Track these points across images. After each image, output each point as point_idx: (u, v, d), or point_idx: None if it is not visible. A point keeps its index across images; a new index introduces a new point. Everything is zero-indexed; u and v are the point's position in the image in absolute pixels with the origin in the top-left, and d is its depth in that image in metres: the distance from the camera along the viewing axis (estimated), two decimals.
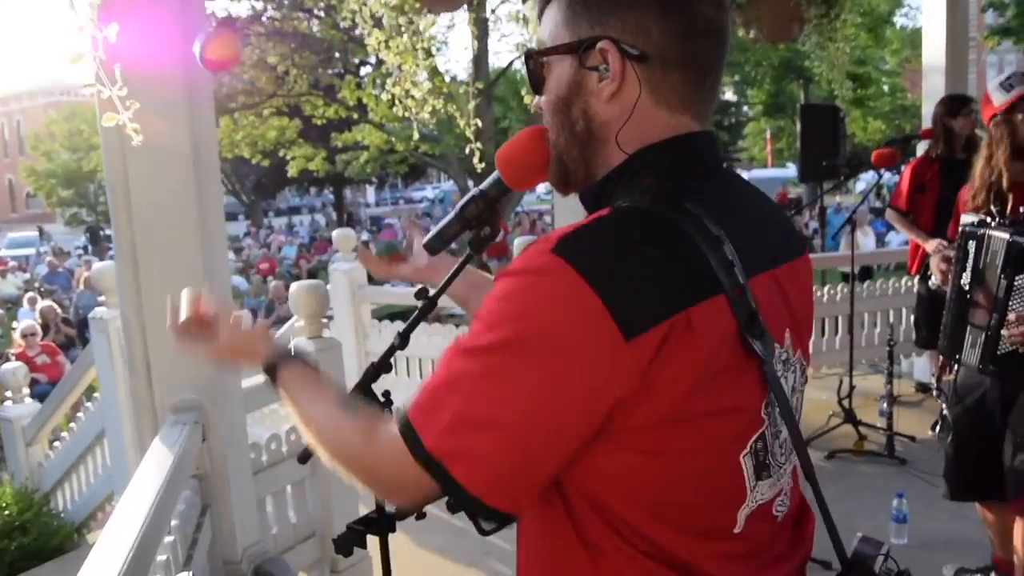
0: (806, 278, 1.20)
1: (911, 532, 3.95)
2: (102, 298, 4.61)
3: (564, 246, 0.92)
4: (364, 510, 1.70)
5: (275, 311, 12.84)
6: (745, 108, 31.79)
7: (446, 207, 35.33)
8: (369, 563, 3.76)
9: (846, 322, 6.08)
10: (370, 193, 47.96)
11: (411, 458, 0.95)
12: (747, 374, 0.98)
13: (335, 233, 6.36)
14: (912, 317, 6.22)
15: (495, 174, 1.29)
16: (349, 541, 1.59)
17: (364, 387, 1.55)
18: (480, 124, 3.99)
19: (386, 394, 1.61)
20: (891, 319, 6.40)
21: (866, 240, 13.47)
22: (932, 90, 6.11)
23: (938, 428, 5.08)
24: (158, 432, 2.84)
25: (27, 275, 21.80)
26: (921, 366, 6.25)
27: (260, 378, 3.37)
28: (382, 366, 1.53)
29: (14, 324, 13.14)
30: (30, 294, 15.24)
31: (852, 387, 5.27)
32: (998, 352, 2.98)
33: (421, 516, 1.42)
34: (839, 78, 5.44)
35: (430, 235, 1.41)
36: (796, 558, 1.16)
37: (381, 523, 1.62)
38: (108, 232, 29.41)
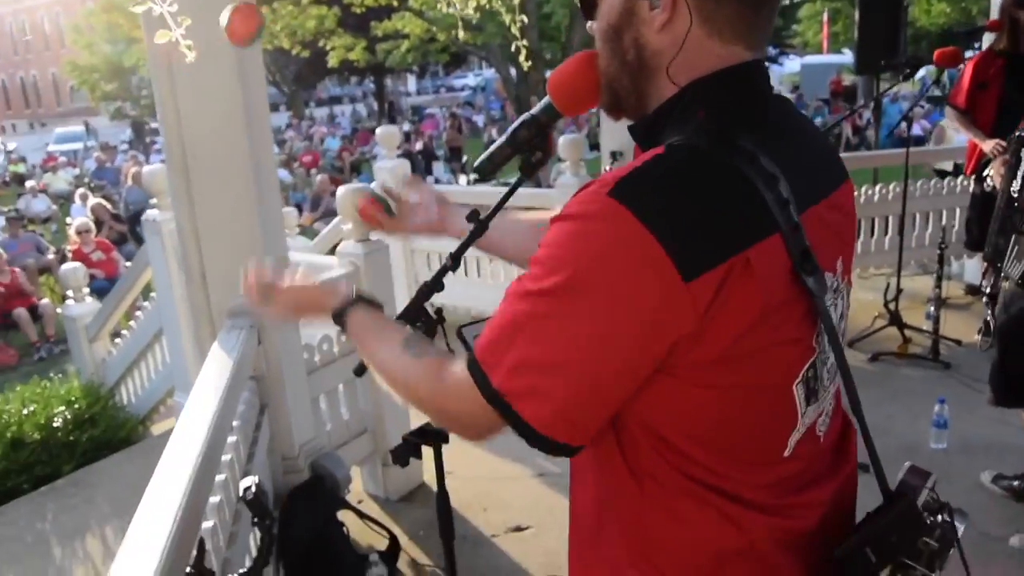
0: (850, 205, 1.20)
1: (951, 437, 3.98)
2: (154, 200, 4.69)
3: (621, 189, 0.92)
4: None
5: (321, 205, 12.93)
6: None
7: (488, 95, 34.88)
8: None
9: (896, 222, 5.99)
10: (411, 82, 47.34)
11: (480, 396, 0.98)
12: (800, 308, 1.00)
13: (379, 131, 6.34)
14: (965, 217, 6.13)
15: (546, 99, 1.29)
16: (405, 452, 1.66)
17: (417, 305, 1.58)
18: (526, 19, 3.90)
19: (439, 312, 1.65)
20: (944, 219, 6.29)
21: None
22: None
23: (981, 333, 5.09)
24: (216, 336, 2.96)
25: (77, 170, 22.08)
26: (972, 268, 6.14)
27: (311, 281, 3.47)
28: (435, 285, 1.56)
29: (68, 220, 13.42)
30: (81, 190, 15.45)
31: (899, 290, 5.22)
32: None
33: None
34: None
35: (480, 158, 1.41)
36: (840, 475, 1.18)
37: (436, 434, 1.69)
38: (153, 126, 29.65)
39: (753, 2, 1.04)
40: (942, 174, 5.94)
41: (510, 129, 1.36)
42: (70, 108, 49.93)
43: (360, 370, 1.60)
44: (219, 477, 2.23)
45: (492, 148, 1.38)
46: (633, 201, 0.91)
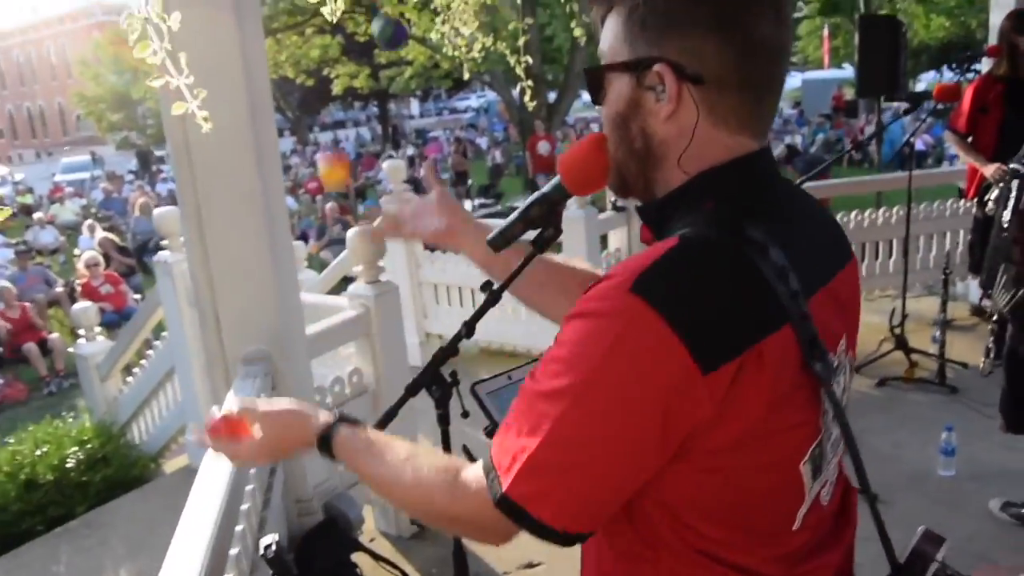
0: (855, 282, 1.23)
1: (960, 463, 3.98)
2: (165, 241, 4.75)
3: (640, 284, 0.95)
4: None
5: (327, 233, 13.00)
6: (800, 3, 30.56)
7: (491, 117, 35.06)
8: None
9: (900, 245, 6.02)
10: (414, 105, 47.61)
11: (491, 503, 1.00)
12: (808, 391, 1.03)
13: (385, 164, 6.41)
14: (968, 241, 6.16)
15: (556, 179, 1.34)
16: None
17: (433, 371, 1.62)
18: (530, 60, 3.95)
19: (453, 374, 1.69)
20: (947, 242, 6.32)
21: None
22: None
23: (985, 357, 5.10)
24: (229, 379, 3.00)
25: (84, 201, 22.20)
26: (977, 288, 6.18)
27: (322, 325, 3.50)
28: (450, 351, 1.60)
29: (76, 251, 13.51)
30: (89, 221, 15.53)
31: (905, 315, 5.25)
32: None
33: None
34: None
35: (493, 233, 1.45)
36: (844, 539, 1.21)
37: None
38: (158, 154, 29.83)
39: (755, 93, 1.07)
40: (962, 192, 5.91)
41: (522, 206, 1.40)
42: (76, 137, 50.27)
43: (382, 423, 1.63)
44: (238, 528, 2.26)
45: (505, 224, 1.43)
46: (652, 296, 0.94)
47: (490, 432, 1.52)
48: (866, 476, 1.10)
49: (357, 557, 3.24)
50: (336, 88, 19.20)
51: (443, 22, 3.91)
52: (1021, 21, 4.69)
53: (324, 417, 1.28)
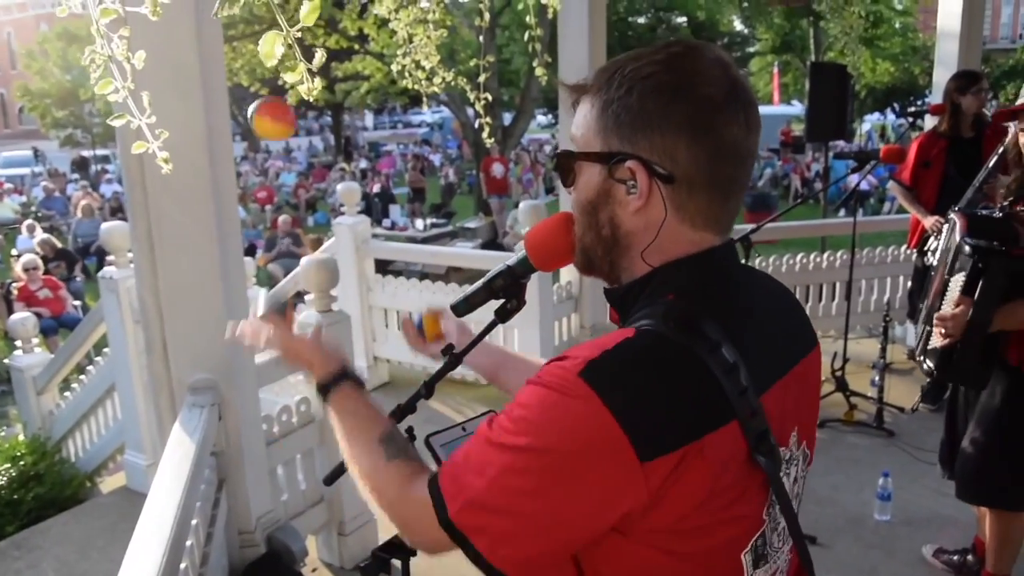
0: (816, 372, 1.26)
1: (895, 507, 4.10)
2: (111, 257, 4.67)
3: (590, 372, 0.98)
4: None
5: (276, 246, 12.87)
6: (753, 40, 31.28)
7: (445, 133, 35.09)
8: (374, 525, 3.91)
9: (843, 289, 6.19)
10: (368, 117, 47.39)
11: (436, 519, 1.05)
12: (752, 484, 1.05)
13: (340, 187, 6.39)
14: (908, 289, 6.35)
15: (522, 253, 1.36)
16: (375, 568, 1.69)
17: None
18: (490, 97, 3.98)
19: (409, 430, 1.69)
20: (888, 289, 6.50)
21: None
22: (946, 55, 6.13)
23: (916, 402, 5.27)
24: (175, 407, 2.96)
25: (23, 198, 21.65)
26: (914, 333, 6.36)
27: (272, 353, 3.47)
28: (407, 409, 1.60)
29: (13, 251, 13.17)
30: (28, 221, 15.16)
31: (846, 359, 5.38)
32: (928, 345, 3.10)
33: None
34: (853, 46, 5.41)
35: (457, 299, 1.48)
36: None
37: (404, 547, 1.71)
38: (100, 153, 29.16)
39: (723, 194, 1.10)
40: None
41: (487, 276, 1.43)
42: (18, 130, 49.03)
43: (330, 480, 1.63)
44: (182, 566, 2.22)
45: (469, 291, 1.45)
46: (600, 384, 0.97)
47: None
48: (808, 555, 1.12)
49: None
50: (290, 99, 19.03)
51: (404, 55, 3.91)
52: (964, 82, 4.88)
53: (338, 364, 1.41)
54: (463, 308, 1.48)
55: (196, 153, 2.80)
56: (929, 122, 5.48)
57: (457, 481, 1.05)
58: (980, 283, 2.84)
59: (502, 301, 1.45)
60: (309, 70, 1.21)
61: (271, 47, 1.22)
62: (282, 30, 1.36)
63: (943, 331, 2.92)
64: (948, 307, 2.96)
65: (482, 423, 1.07)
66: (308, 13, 1.21)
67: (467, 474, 1.04)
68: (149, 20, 1.73)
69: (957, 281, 2.93)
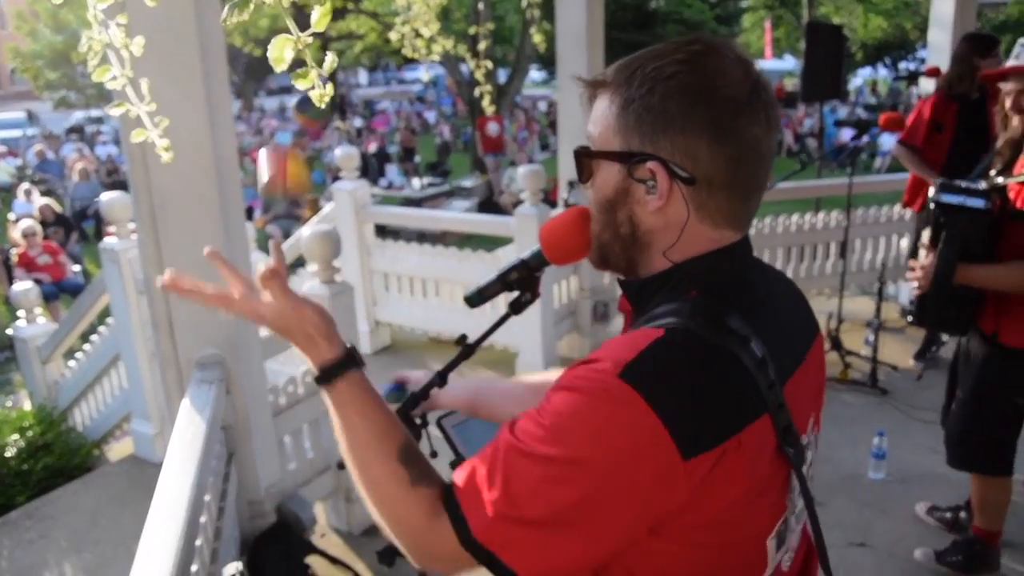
0: (822, 358, 1.29)
1: (888, 465, 4.18)
2: (112, 228, 4.69)
3: (629, 373, 0.97)
4: None
5: (273, 207, 12.83)
6: None
7: (440, 90, 34.75)
8: None
9: (838, 248, 6.23)
10: (362, 75, 46.94)
11: (456, 540, 1.02)
12: (780, 474, 1.08)
13: (338, 151, 6.37)
14: (901, 243, 6.39)
15: (537, 247, 1.38)
16: (392, 552, 1.73)
17: (403, 413, 1.67)
18: (490, 65, 3.97)
19: (422, 416, 1.74)
20: (882, 246, 6.54)
21: None
22: (941, 14, 6.07)
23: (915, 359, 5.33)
24: (183, 384, 3.01)
25: (19, 161, 21.50)
26: (907, 291, 6.41)
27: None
28: (422, 396, 1.64)
29: (10, 215, 13.14)
30: (25, 185, 15.07)
31: (841, 319, 5.44)
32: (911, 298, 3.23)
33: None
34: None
35: (471, 291, 1.50)
36: None
37: None
38: (94, 115, 28.85)
39: (743, 193, 1.11)
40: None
41: (502, 269, 1.45)
42: (10, 92, 48.47)
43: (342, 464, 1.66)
44: (197, 542, 2.28)
45: (483, 283, 1.48)
46: (642, 385, 0.97)
47: (454, 466, 1.58)
48: (827, 556, 1.14)
49: (310, 557, 3.30)
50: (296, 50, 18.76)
51: (403, 23, 3.90)
52: (984, 45, 4.78)
53: (337, 347, 1.19)
54: (477, 300, 1.49)
55: (198, 136, 2.82)
56: (924, 84, 5.46)
57: (479, 495, 1.02)
58: (942, 236, 3.00)
59: (516, 294, 1.47)
60: (320, 76, 1.23)
61: (281, 52, 1.23)
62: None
63: (915, 281, 3.10)
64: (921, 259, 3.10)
65: (502, 429, 1.05)
66: (320, 18, 1.23)
67: (492, 486, 1.01)
68: (147, 6, 1.73)
69: (926, 234, 3.10)
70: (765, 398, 1.03)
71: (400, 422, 1.20)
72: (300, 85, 1.28)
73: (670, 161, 1.06)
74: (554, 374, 1.66)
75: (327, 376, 1.18)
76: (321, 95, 1.22)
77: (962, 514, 3.67)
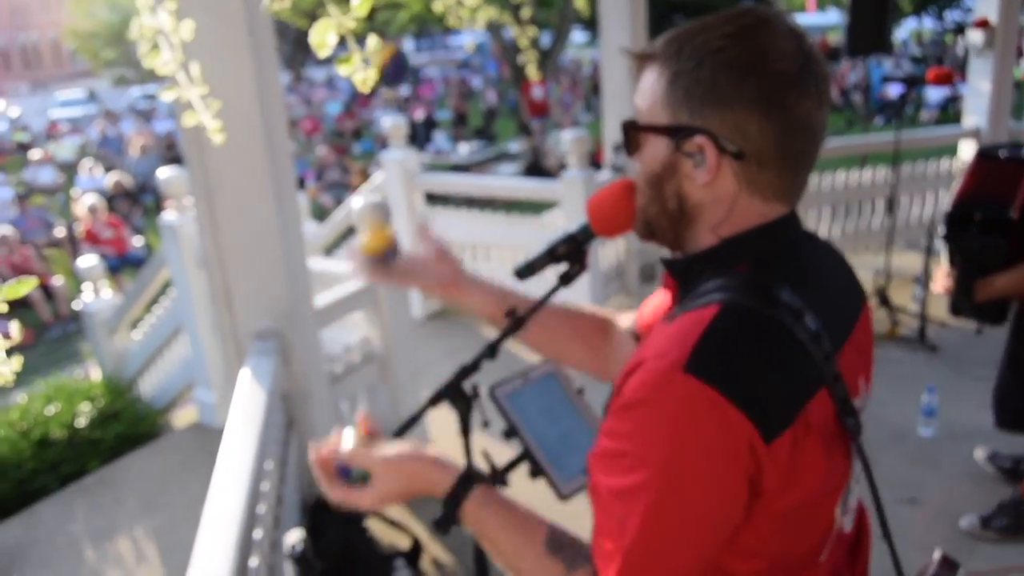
0: (869, 325, 1.27)
1: (938, 422, 4.17)
2: (170, 203, 4.82)
3: (694, 365, 0.95)
4: None
5: (324, 176, 13.01)
6: None
7: (485, 56, 34.55)
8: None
9: (886, 204, 6.14)
10: (408, 42, 46.81)
11: None
12: (842, 443, 1.09)
13: (386, 122, 6.43)
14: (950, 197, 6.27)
15: (584, 220, 1.39)
16: (447, 520, 1.78)
17: (455, 385, 1.72)
18: (534, 33, 3.99)
19: (474, 388, 1.78)
20: (929, 201, 6.45)
21: None
22: None
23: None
24: (242, 355, 3.13)
25: (81, 138, 21.98)
26: None
27: (331, 296, 3.59)
28: (473, 368, 1.67)
29: (74, 191, 13.48)
30: (87, 161, 15.44)
31: (889, 276, 5.40)
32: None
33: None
34: None
35: (521, 264, 1.53)
36: (860, 564, 1.28)
37: None
38: (151, 92, 29.30)
39: (793, 167, 1.09)
40: None
41: (550, 242, 1.46)
42: (71, 71, 49.48)
43: (397, 434, 1.69)
44: (259, 510, 2.37)
45: (532, 257, 1.51)
46: (710, 374, 0.95)
47: (507, 435, 1.62)
48: (886, 519, 1.18)
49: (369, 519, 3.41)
50: (339, 32, 18.79)
51: None
52: None
53: (448, 471, 1.21)
54: (526, 273, 1.49)
55: (249, 114, 2.91)
56: (971, 35, 5.33)
57: (601, 556, 1.01)
58: (956, 260, 3.14)
59: (565, 266, 1.47)
60: (364, 59, 1.27)
61: (323, 36, 1.28)
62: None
63: (941, 290, 3.22)
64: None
65: (592, 472, 1.04)
66: (362, 2, 1.27)
67: (607, 543, 1.00)
68: None
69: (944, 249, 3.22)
70: (821, 371, 1.03)
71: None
72: (343, 70, 1.32)
73: (719, 136, 1.05)
74: (592, 311, 1.63)
75: (453, 505, 1.19)
76: (364, 79, 1.27)
77: (1022, 465, 3.66)
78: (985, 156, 3.12)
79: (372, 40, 1.35)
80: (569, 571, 1.10)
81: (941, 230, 3.15)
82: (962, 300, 3.11)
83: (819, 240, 1.24)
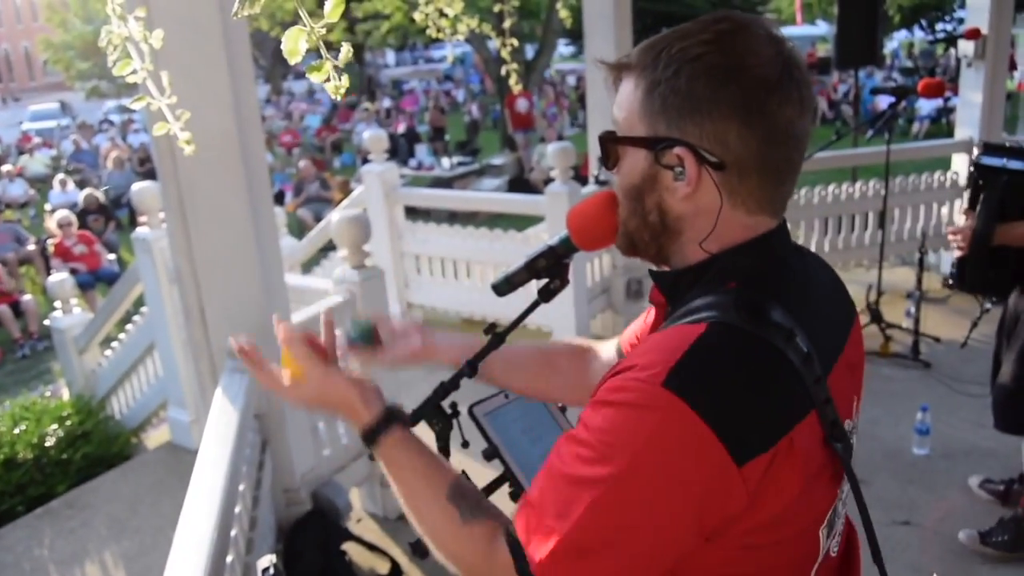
0: (860, 341, 1.24)
1: (933, 441, 4.09)
2: (143, 218, 4.70)
3: (674, 380, 0.93)
4: None
5: (304, 191, 12.88)
6: None
7: (467, 68, 34.69)
8: None
9: (876, 218, 6.11)
10: (389, 55, 46.94)
11: None
12: (829, 465, 1.05)
13: (366, 135, 6.36)
14: (942, 211, 6.25)
15: (565, 233, 1.34)
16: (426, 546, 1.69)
17: (433, 404, 1.63)
18: (515, 43, 3.91)
19: (453, 406, 1.69)
20: (922, 215, 6.40)
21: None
22: None
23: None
24: (216, 373, 3.01)
25: (53, 151, 21.77)
26: (949, 260, 6.28)
27: (308, 312, 3.49)
28: (451, 386, 1.60)
29: (47, 206, 13.29)
30: (60, 175, 15.25)
31: (880, 292, 5.33)
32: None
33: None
34: None
35: (499, 279, 1.46)
36: None
37: None
38: (125, 103, 29.14)
39: (776, 177, 1.06)
40: None
41: (529, 256, 1.40)
42: (43, 83, 49.17)
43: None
44: (232, 532, 2.28)
45: (510, 271, 1.43)
46: (688, 393, 0.93)
47: (488, 455, 1.54)
48: (876, 540, 1.11)
49: (346, 543, 3.29)
50: (310, 43, 18.82)
51: (427, 2, 3.85)
52: None
53: (373, 406, 1.23)
54: (504, 288, 1.45)
55: (223, 126, 2.81)
56: (962, 46, 5.31)
57: (536, 530, 0.99)
58: (980, 197, 3.01)
59: (545, 281, 1.43)
60: (336, 67, 1.18)
61: (295, 44, 1.19)
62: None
63: (955, 243, 3.12)
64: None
65: (551, 455, 1.03)
66: (332, 9, 1.18)
67: (546, 519, 0.98)
68: None
69: (965, 196, 3.10)
70: (812, 394, 1.00)
71: (448, 464, 1.21)
72: (315, 78, 1.24)
73: (698, 146, 1.02)
74: (566, 341, 1.62)
75: (370, 439, 1.21)
76: (337, 87, 1.17)
77: (1016, 486, 3.57)
78: (991, 145, 3.08)
79: (345, 48, 1.27)
80: (464, 520, 1.09)
81: (974, 159, 3.09)
82: (975, 257, 3.02)
83: (810, 254, 1.22)
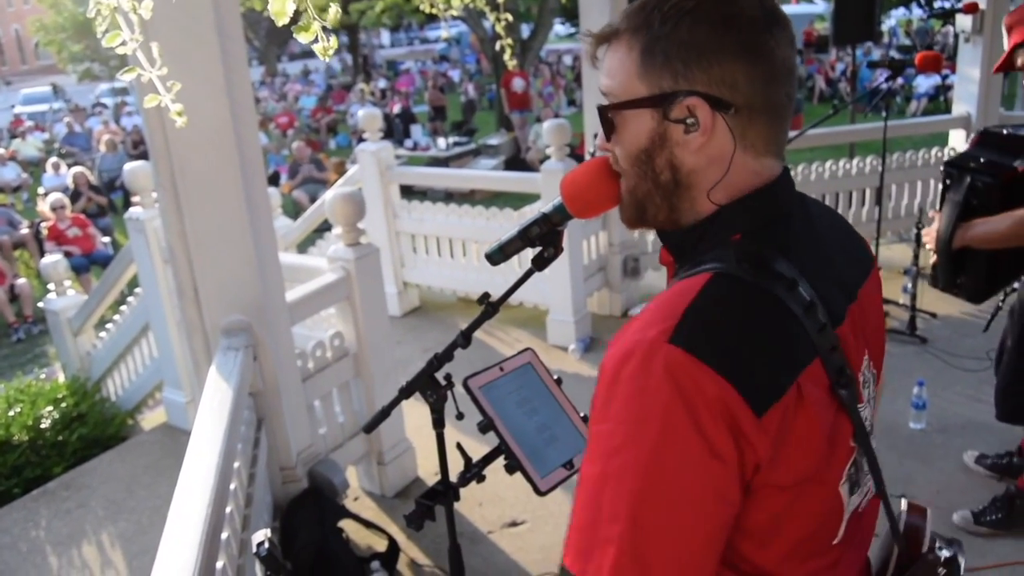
0: (877, 292, 1.25)
1: (929, 415, 4.11)
2: (136, 198, 4.67)
3: (680, 336, 0.93)
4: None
5: (299, 172, 12.82)
6: None
7: (463, 48, 34.51)
8: (412, 453, 3.98)
9: (874, 194, 6.08)
10: (384, 35, 46.68)
11: None
12: (840, 416, 1.04)
13: (360, 113, 6.30)
14: (939, 187, 6.22)
15: (558, 200, 1.32)
16: (420, 516, 1.70)
17: (428, 375, 1.62)
18: (511, 17, 3.86)
19: (447, 377, 1.69)
20: (919, 191, 6.38)
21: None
22: None
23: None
24: (211, 353, 2.99)
25: (46, 135, 21.66)
26: None
27: (303, 290, 3.48)
28: (444, 358, 1.60)
29: (40, 190, 13.23)
30: (53, 158, 15.17)
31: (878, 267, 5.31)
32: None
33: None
34: None
35: (492, 248, 1.45)
36: (867, 539, 1.25)
37: (447, 494, 1.73)
38: (120, 86, 29.02)
39: (779, 115, 1.08)
40: None
41: (522, 224, 1.39)
42: (35, 66, 48.87)
43: (370, 428, 1.63)
44: (228, 509, 2.27)
45: (504, 239, 1.43)
46: (695, 346, 0.93)
47: (483, 427, 1.53)
48: (887, 493, 1.13)
49: (343, 521, 3.29)
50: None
51: None
52: None
53: None
54: (498, 257, 1.45)
55: (215, 99, 2.76)
56: (960, 21, 5.26)
57: (593, 545, 0.95)
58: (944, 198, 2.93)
59: (539, 249, 1.42)
60: (324, 28, 1.16)
61: (282, 5, 1.17)
62: None
63: (928, 245, 2.99)
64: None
65: (582, 463, 0.99)
66: None
67: (597, 531, 0.95)
68: None
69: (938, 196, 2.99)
70: (815, 342, 1.00)
71: None
72: (302, 38, 1.22)
73: (709, 93, 1.02)
74: None
75: None
76: (325, 48, 1.15)
77: (1015, 459, 3.58)
78: (988, 132, 3.00)
79: (332, 9, 1.26)
80: None
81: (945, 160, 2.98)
82: (941, 259, 2.92)
83: (816, 204, 1.22)
